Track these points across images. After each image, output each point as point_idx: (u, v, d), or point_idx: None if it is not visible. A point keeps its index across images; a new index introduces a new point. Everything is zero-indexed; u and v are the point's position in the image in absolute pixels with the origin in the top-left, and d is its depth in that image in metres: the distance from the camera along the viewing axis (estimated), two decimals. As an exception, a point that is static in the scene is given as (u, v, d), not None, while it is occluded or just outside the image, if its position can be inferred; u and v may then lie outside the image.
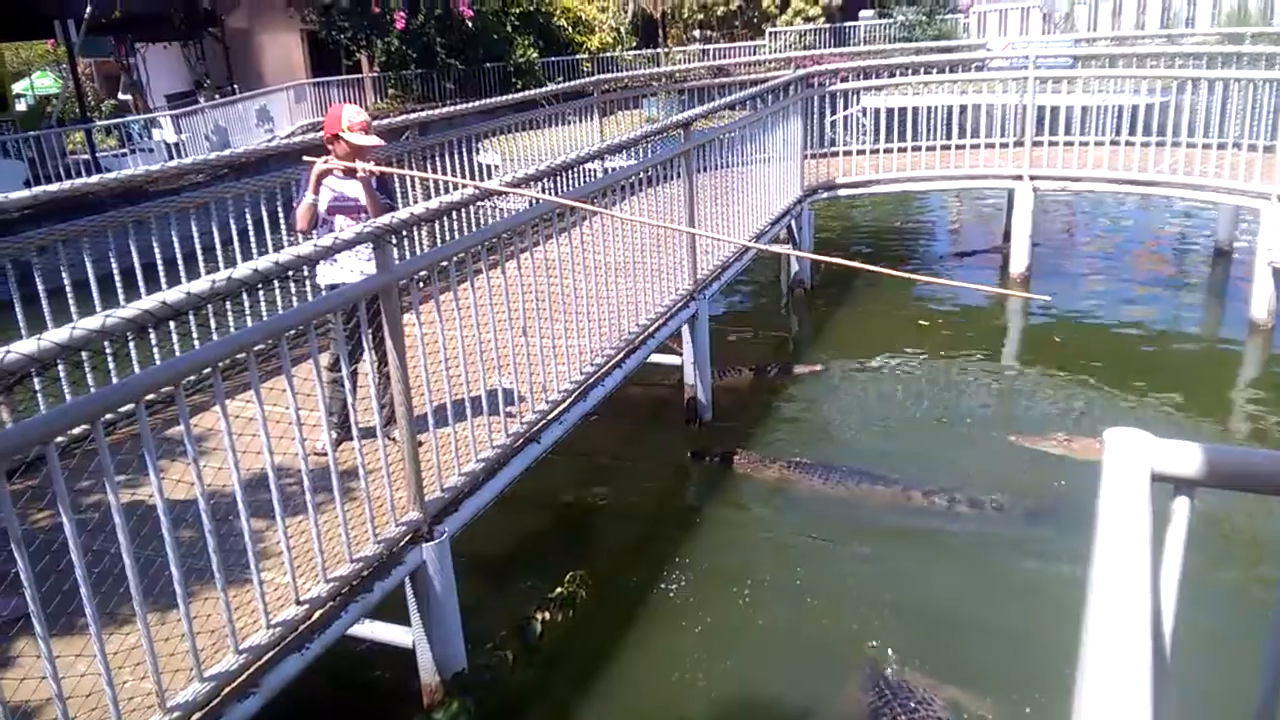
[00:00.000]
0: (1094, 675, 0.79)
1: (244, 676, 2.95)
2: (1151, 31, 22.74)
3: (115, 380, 2.84)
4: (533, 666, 4.31)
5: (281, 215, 5.74)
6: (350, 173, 4.36)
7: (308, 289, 5.49)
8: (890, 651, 4.41)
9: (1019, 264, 9.90)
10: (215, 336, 3.25)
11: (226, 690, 2.88)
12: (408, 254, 5.62)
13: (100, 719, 2.66)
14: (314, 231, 4.38)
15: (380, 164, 4.74)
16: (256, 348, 2.99)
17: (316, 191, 4.32)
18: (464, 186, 4.42)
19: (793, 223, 9.52)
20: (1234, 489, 1.11)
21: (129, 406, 2.61)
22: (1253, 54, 9.72)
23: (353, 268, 4.27)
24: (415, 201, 6.15)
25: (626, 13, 32.54)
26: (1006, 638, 4.52)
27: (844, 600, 4.95)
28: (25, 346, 2.17)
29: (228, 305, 4.27)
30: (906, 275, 6.67)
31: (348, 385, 3.62)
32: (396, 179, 5.79)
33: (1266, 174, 8.20)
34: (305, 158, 4.41)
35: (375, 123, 4.89)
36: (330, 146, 4.42)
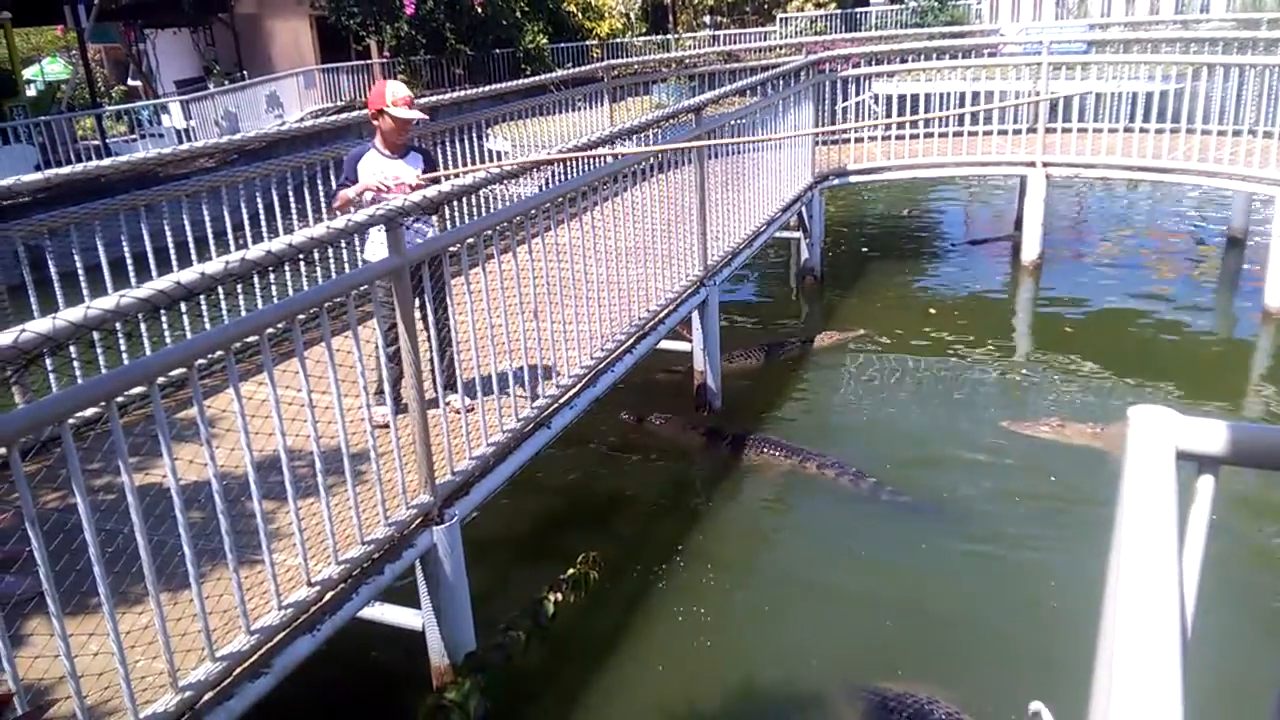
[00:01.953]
0: (1123, 651, 0.78)
1: (255, 657, 2.96)
2: (1166, 17, 22.56)
3: (128, 363, 2.85)
4: (544, 647, 4.31)
5: (292, 199, 5.74)
6: (397, 151, 4.48)
7: (319, 273, 5.51)
8: (896, 655, 4.39)
9: (1031, 251, 9.86)
10: (227, 319, 3.25)
11: (238, 670, 2.89)
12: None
13: (112, 698, 2.67)
14: (352, 209, 4.40)
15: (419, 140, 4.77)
16: (269, 330, 2.98)
17: (362, 195, 4.37)
18: (506, 166, 4.41)
19: (804, 209, 9.48)
20: (1260, 467, 1.10)
21: (141, 389, 2.61)
22: (1268, 40, 9.61)
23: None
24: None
25: (636, -1, 32.42)
26: (1014, 638, 4.51)
27: (853, 595, 4.93)
28: (41, 325, 2.17)
29: (240, 288, 4.29)
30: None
31: (405, 359, 3.68)
32: (440, 165, 5.84)
33: (1282, 161, 8.14)
34: (364, 167, 4.39)
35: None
36: (375, 122, 4.50)
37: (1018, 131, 10.02)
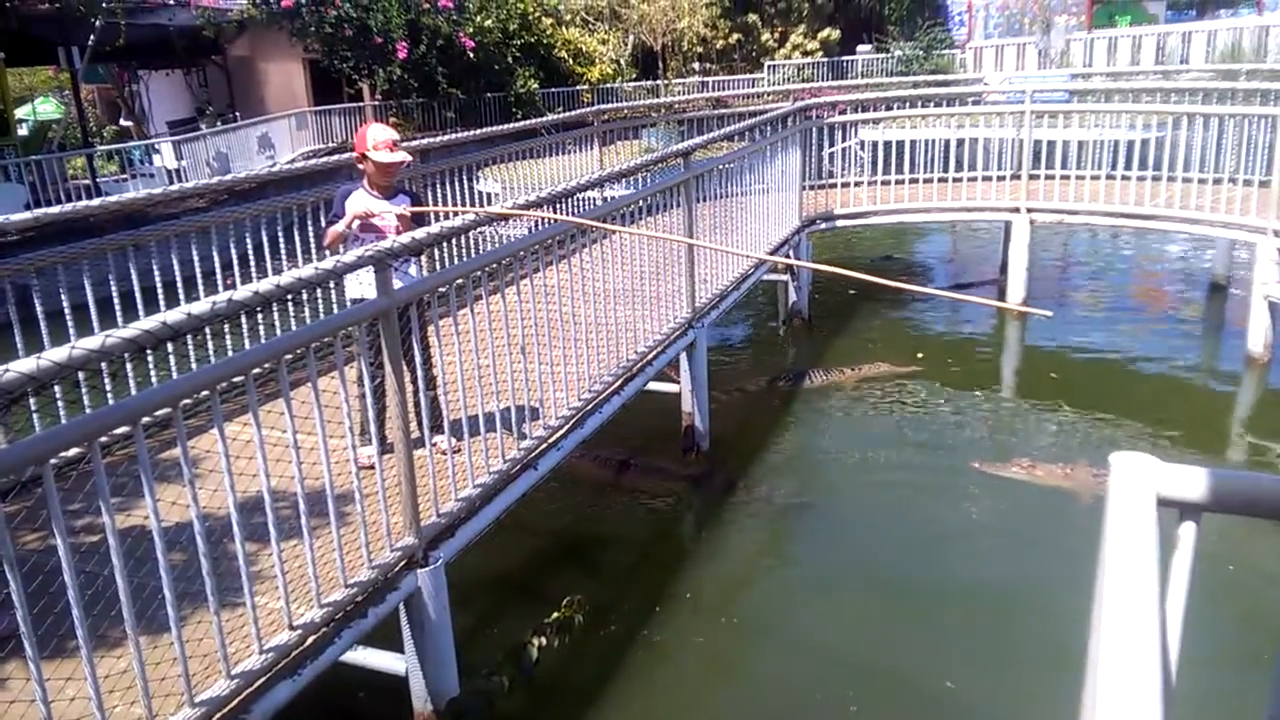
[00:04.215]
0: (1106, 700, 0.78)
1: (235, 702, 2.91)
2: (1146, 67, 22.96)
3: (112, 403, 2.83)
4: (528, 692, 4.26)
5: (282, 240, 5.75)
6: (385, 193, 4.46)
7: (307, 314, 5.51)
8: (877, 701, 4.34)
9: (1015, 296, 9.93)
10: (214, 360, 3.24)
11: (217, 716, 2.84)
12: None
13: (89, 744, 2.62)
14: (342, 246, 4.41)
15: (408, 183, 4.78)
16: (254, 371, 2.97)
17: (351, 225, 4.37)
18: (487, 213, 4.43)
19: (791, 253, 9.55)
20: (1241, 514, 1.11)
21: (125, 429, 2.60)
22: (1247, 90, 9.80)
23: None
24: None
25: (627, 45, 32.81)
26: (990, 683, 4.47)
27: (835, 640, 4.90)
28: (24, 365, 2.15)
29: (226, 329, 4.28)
30: (909, 288, 6.72)
31: (391, 400, 3.65)
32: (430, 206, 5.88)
33: (1262, 208, 8.24)
34: (352, 204, 4.42)
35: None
36: (360, 166, 4.51)
37: (1002, 178, 10.14)
